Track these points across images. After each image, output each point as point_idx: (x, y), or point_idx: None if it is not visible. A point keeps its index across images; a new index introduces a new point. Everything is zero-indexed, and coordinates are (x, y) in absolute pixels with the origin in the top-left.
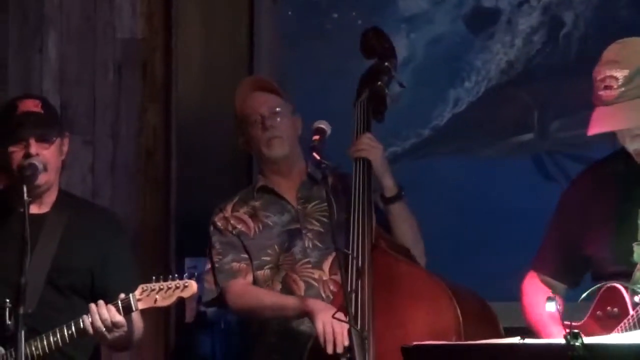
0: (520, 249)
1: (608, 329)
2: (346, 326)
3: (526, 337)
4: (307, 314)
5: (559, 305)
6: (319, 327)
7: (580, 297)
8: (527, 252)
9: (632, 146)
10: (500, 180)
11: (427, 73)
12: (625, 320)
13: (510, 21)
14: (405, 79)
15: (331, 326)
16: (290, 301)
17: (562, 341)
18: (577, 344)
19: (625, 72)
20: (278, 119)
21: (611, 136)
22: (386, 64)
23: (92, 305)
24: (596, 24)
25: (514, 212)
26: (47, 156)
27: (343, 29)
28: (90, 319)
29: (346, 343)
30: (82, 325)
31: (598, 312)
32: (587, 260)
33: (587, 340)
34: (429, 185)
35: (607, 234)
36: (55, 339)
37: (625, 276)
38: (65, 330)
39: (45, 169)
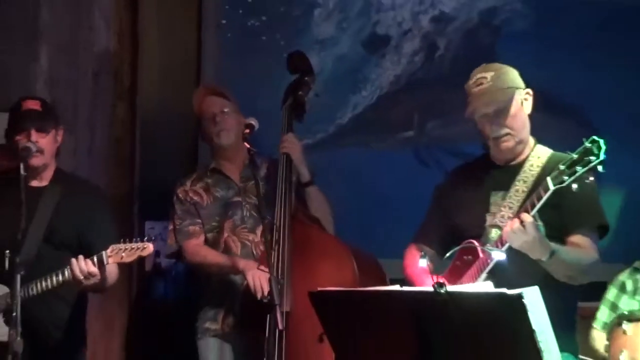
0: (403, 220)
1: (464, 271)
2: (267, 276)
3: (404, 286)
4: (240, 271)
5: (430, 263)
6: (249, 280)
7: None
8: (408, 223)
9: (493, 134)
10: (389, 168)
11: (333, 83)
12: (477, 261)
13: (398, 45)
14: (316, 87)
15: (259, 279)
16: (227, 261)
17: (431, 289)
18: (442, 291)
19: (492, 73)
20: (225, 117)
21: (477, 139)
22: (306, 78)
23: (73, 260)
24: (463, 48)
25: (399, 192)
26: (43, 143)
27: (270, 48)
28: (71, 268)
29: (267, 289)
30: (66, 274)
31: (457, 262)
32: (455, 228)
33: (450, 288)
34: (333, 170)
35: (469, 208)
36: (46, 283)
37: (480, 236)
38: (54, 277)
39: (41, 152)
